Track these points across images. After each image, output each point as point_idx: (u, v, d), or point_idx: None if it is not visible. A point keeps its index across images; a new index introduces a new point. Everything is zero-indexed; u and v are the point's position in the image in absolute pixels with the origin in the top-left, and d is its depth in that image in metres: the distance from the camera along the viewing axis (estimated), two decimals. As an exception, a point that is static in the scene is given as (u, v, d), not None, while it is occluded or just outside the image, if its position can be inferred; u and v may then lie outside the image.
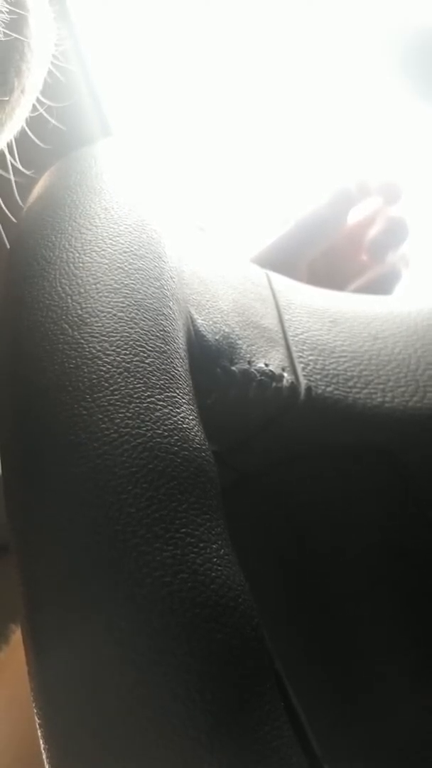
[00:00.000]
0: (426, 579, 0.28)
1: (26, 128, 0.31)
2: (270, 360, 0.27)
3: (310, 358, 0.28)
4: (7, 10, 0.26)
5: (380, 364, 0.28)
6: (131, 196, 0.26)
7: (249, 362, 0.26)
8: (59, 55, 0.31)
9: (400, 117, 0.52)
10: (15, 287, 0.23)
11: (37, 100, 0.30)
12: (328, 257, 0.57)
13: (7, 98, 0.27)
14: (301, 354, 0.28)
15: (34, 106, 0.30)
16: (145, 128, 0.63)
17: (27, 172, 0.32)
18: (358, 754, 0.28)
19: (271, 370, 0.26)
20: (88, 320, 0.21)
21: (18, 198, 0.32)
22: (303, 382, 0.27)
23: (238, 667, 0.17)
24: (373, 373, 0.28)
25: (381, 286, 0.55)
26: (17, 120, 0.29)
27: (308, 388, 0.27)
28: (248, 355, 0.27)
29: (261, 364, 0.27)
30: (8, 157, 0.31)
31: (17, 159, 0.31)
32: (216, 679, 0.16)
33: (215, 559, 0.18)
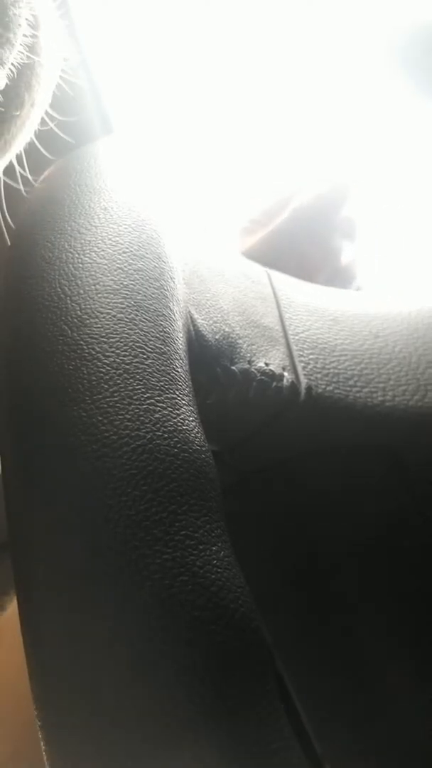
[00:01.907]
0: (425, 577, 0.28)
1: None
2: (270, 359, 0.27)
3: (311, 357, 0.28)
4: (31, 34, 0.26)
5: (381, 362, 0.28)
6: (131, 195, 0.26)
7: (249, 362, 0.26)
8: (68, 68, 0.31)
9: (400, 116, 0.52)
10: (14, 288, 0.23)
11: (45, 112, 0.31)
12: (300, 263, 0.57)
13: (18, 113, 0.27)
14: (301, 353, 0.28)
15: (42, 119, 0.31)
16: (145, 127, 0.63)
17: (27, 173, 0.32)
18: (360, 753, 0.28)
19: (271, 370, 0.26)
20: (88, 321, 0.21)
21: (17, 198, 0.32)
22: (303, 381, 0.27)
23: (239, 669, 0.17)
24: (374, 372, 0.28)
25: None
26: (27, 132, 0.29)
27: (309, 388, 0.27)
28: (248, 355, 0.26)
29: (261, 364, 0.26)
30: (17, 167, 0.31)
31: (26, 169, 0.31)
32: (216, 681, 0.16)
33: (215, 561, 0.18)
